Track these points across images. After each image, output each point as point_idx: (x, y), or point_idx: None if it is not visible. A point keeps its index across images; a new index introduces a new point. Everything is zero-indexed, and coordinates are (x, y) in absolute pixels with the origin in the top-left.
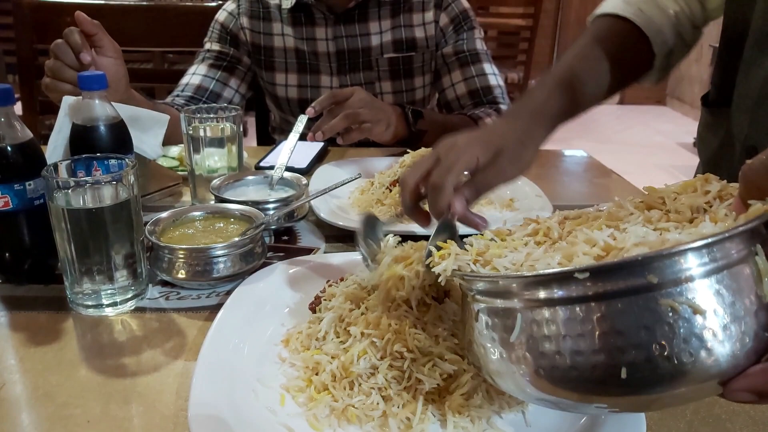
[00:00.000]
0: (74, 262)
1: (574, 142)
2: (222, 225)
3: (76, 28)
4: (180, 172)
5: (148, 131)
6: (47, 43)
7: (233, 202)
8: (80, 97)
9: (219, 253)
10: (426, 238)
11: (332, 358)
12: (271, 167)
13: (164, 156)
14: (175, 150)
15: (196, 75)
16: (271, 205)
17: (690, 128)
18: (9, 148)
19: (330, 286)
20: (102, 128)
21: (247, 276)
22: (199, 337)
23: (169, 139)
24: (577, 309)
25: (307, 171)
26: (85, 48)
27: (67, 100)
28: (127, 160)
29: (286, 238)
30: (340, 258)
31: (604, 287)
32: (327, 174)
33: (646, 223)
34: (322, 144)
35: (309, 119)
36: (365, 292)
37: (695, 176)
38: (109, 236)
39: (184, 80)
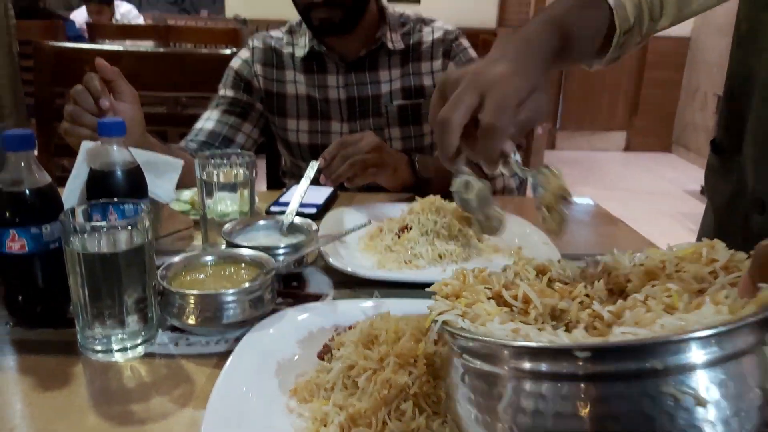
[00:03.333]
0: (87, 306)
1: (581, 189)
2: (232, 270)
3: (95, 74)
4: (192, 216)
5: (162, 176)
6: (65, 87)
7: (244, 248)
8: (98, 143)
9: (229, 299)
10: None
11: (340, 409)
12: (282, 212)
13: (177, 200)
14: (188, 194)
15: (209, 120)
16: (281, 251)
17: (696, 175)
18: (27, 192)
19: (338, 334)
20: (119, 173)
21: (257, 322)
22: (208, 384)
23: (182, 183)
24: (574, 387)
25: (318, 216)
26: (104, 93)
27: (86, 146)
28: (142, 205)
29: (295, 284)
30: (349, 305)
31: (604, 368)
32: (337, 219)
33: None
34: (331, 188)
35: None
36: (375, 340)
37: (702, 223)
38: (122, 281)
39: (198, 125)
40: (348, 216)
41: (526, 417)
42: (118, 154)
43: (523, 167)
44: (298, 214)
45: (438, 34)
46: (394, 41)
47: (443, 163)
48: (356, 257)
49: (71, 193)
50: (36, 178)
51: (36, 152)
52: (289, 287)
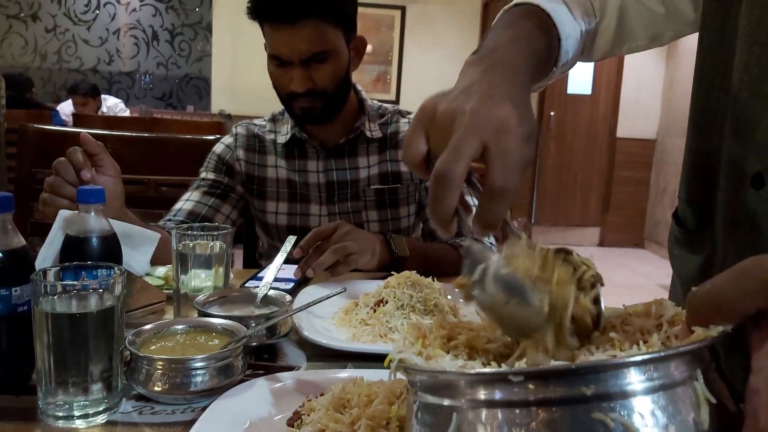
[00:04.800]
0: (51, 372)
1: None
2: (204, 339)
3: (79, 147)
4: (165, 291)
5: (138, 248)
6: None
7: (216, 317)
8: (76, 212)
9: (198, 365)
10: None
11: None
12: (257, 287)
13: (150, 275)
14: (162, 270)
15: (189, 201)
16: (254, 321)
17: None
18: (0, 254)
19: (309, 400)
20: (94, 240)
21: (225, 391)
22: None
23: (157, 260)
24: (511, 414)
25: (292, 292)
26: (86, 166)
27: (63, 214)
28: (116, 269)
29: (267, 356)
30: (322, 375)
31: (538, 393)
32: (311, 295)
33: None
34: None
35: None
36: (347, 404)
37: (670, 296)
38: (89, 345)
39: (177, 206)
40: (323, 291)
41: None
42: (96, 222)
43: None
44: (274, 288)
45: None
46: (372, 130)
47: (437, 227)
48: (331, 330)
49: (45, 259)
50: (10, 240)
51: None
52: (261, 359)
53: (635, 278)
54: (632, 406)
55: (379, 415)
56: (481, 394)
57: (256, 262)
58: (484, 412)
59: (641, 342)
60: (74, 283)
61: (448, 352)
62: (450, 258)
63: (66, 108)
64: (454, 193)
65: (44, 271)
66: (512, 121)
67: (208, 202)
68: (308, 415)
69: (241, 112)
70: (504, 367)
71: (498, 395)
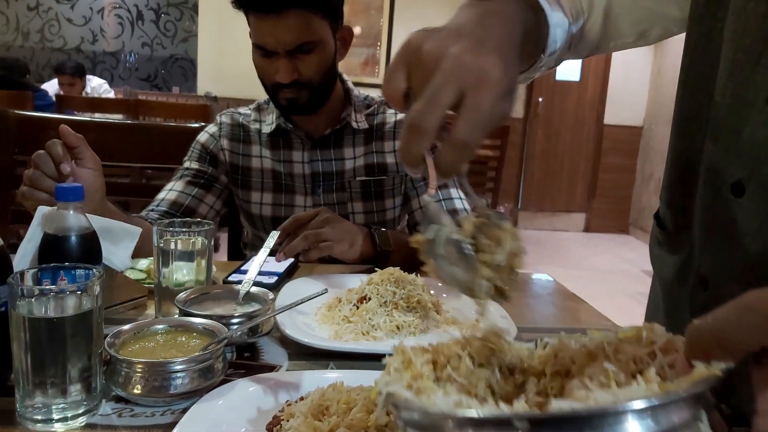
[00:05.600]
0: (29, 374)
1: (543, 268)
2: (184, 339)
3: (59, 140)
4: (146, 285)
5: (118, 243)
6: (28, 155)
7: (197, 316)
8: (55, 208)
9: (178, 368)
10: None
11: None
12: (241, 281)
13: (132, 268)
14: (144, 263)
15: (172, 191)
16: (235, 320)
17: None
18: None
19: (289, 405)
20: (73, 238)
21: (205, 393)
22: None
23: (139, 252)
24: None
25: (277, 285)
26: (66, 159)
27: (42, 210)
28: (94, 270)
29: (248, 354)
30: (302, 376)
31: None
32: (294, 290)
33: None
34: (291, 260)
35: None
36: (326, 411)
37: (650, 296)
38: (67, 348)
39: (160, 195)
40: (307, 286)
41: None
42: (74, 219)
43: (477, 199)
44: (257, 283)
45: (401, 116)
46: (358, 121)
47: (405, 168)
48: (313, 328)
49: (23, 257)
50: None
51: None
52: (242, 358)
53: (620, 264)
54: None
55: (358, 424)
56: None
57: (240, 252)
58: None
59: (639, 376)
60: (51, 288)
61: (437, 380)
62: None
63: (50, 88)
64: (425, 142)
65: (21, 274)
66: (495, 73)
67: (191, 192)
68: (287, 420)
69: (227, 94)
70: (504, 409)
71: None
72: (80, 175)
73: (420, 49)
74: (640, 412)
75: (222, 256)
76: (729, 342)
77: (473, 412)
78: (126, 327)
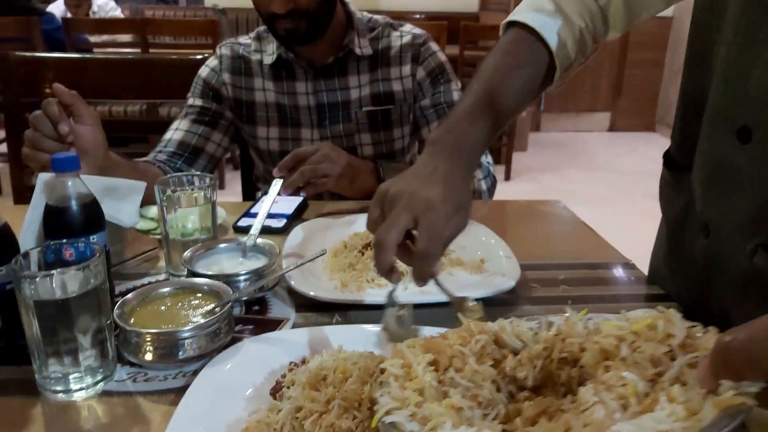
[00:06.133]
0: (41, 347)
1: (566, 171)
2: (191, 301)
3: (54, 99)
4: (157, 236)
5: (124, 199)
6: (35, 97)
7: (204, 276)
8: (54, 175)
9: (185, 335)
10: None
11: None
12: (250, 226)
13: (143, 217)
14: (154, 209)
15: (178, 131)
16: (242, 278)
17: None
18: None
19: (291, 370)
20: (74, 208)
21: (215, 354)
22: (163, 424)
23: (149, 199)
24: None
25: (287, 227)
26: (62, 118)
27: (42, 178)
28: (95, 246)
29: (256, 308)
30: (307, 334)
31: None
32: (302, 235)
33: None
34: (301, 198)
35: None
36: (323, 381)
37: (657, 234)
38: (76, 323)
39: (167, 136)
40: (314, 231)
41: None
42: (73, 189)
43: (452, 294)
44: (267, 227)
45: (406, 39)
46: (362, 47)
47: (380, 274)
48: (319, 276)
49: (30, 224)
50: None
51: (9, 164)
52: (250, 312)
53: (645, 163)
54: None
55: (352, 396)
56: None
57: (254, 185)
58: None
59: (662, 396)
60: (53, 272)
61: (440, 383)
62: None
63: (56, 10)
64: (387, 254)
65: (26, 254)
66: (438, 200)
67: (197, 130)
68: (289, 387)
69: (234, 4)
70: None
71: None
72: (80, 133)
73: (387, 191)
74: None
75: (236, 186)
76: (765, 366)
77: None
78: (130, 296)
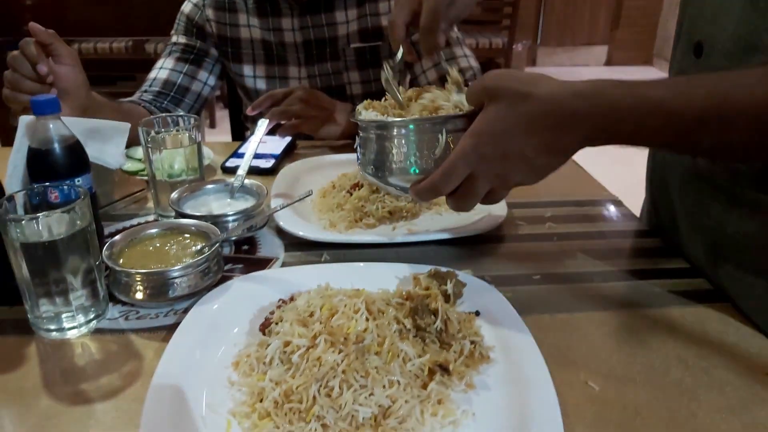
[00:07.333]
0: (32, 287)
1: None
2: (180, 240)
3: (31, 39)
4: (145, 177)
5: (109, 140)
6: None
7: (191, 217)
8: (35, 117)
9: (175, 274)
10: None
11: (276, 384)
12: (236, 167)
13: (129, 158)
14: (141, 151)
15: (163, 69)
16: (230, 218)
17: None
18: None
19: (279, 307)
20: (57, 151)
21: (205, 293)
22: (155, 359)
23: (135, 140)
24: (397, 140)
25: (274, 169)
26: (41, 58)
27: (24, 120)
28: (80, 189)
29: (246, 247)
30: (295, 273)
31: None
32: (291, 176)
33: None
34: (289, 138)
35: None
36: (310, 317)
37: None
38: (65, 264)
39: (152, 75)
40: (302, 172)
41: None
42: (55, 131)
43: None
44: (254, 170)
45: None
46: None
47: (394, 50)
48: (308, 216)
49: (15, 168)
50: None
51: None
52: (239, 251)
53: None
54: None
55: (338, 332)
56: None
57: (242, 124)
58: (395, 140)
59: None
60: (38, 215)
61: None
62: None
63: None
64: (399, 30)
65: (10, 198)
66: None
67: (182, 69)
68: (277, 324)
69: None
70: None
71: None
72: (60, 74)
73: None
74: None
75: (225, 131)
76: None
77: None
78: (119, 237)
